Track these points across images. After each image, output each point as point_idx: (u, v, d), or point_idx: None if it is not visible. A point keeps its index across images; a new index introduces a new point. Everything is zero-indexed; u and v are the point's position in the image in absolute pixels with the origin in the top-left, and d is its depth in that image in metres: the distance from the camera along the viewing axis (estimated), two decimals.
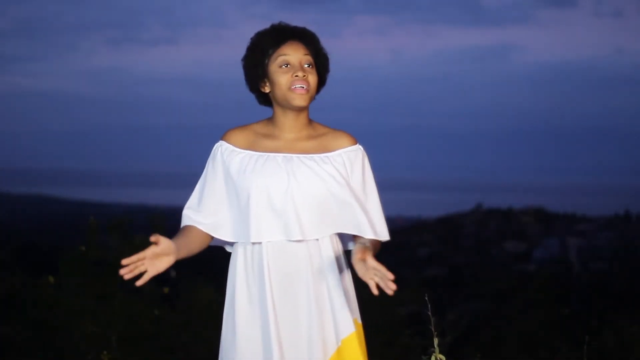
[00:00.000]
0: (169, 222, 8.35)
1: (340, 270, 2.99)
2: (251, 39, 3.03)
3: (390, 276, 2.73)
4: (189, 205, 3.05)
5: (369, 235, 2.95)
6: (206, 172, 3.03)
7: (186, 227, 3.02)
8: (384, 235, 3.00)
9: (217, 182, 3.01)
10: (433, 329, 3.55)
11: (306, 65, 2.98)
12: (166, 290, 8.44)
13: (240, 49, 3.12)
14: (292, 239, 2.92)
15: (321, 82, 3.05)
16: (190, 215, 3.03)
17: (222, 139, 3.03)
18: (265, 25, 3.08)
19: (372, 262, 2.76)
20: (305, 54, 2.99)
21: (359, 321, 3.00)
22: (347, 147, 3.01)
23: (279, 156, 2.97)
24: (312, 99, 3.00)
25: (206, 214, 3.01)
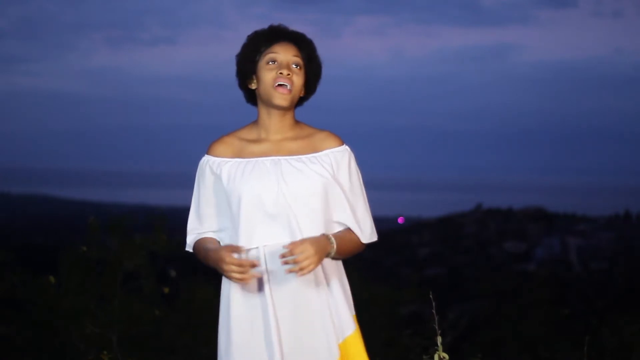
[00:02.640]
0: (169, 222, 8.35)
1: (337, 270, 3.00)
2: (247, 36, 3.06)
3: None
4: (190, 228, 3.05)
5: (356, 231, 2.98)
6: (197, 189, 3.03)
7: (202, 240, 3.03)
8: (368, 235, 3.02)
9: (210, 196, 3.01)
10: (437, 327, 3.56)
11: (293, 66, 3.00)
12: (166, 290, 8.43)
13: (239, 49, 3.13)
14: (294, 240, 2.92)
15: (310, 89, 3.07)
16: (196, 233, 3.05)
17: (207, 154, 3.04)
18: (264, 25, 3.11)
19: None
20: (295, 55, 3.00)
21: (356, 318, 3.01)
22: (334, 147, 3.02)
23: (267, 160, 2.97)
24: (294, 100, 3.01)
25: (208, 227, 3.03)
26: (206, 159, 3.02)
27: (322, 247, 2.86)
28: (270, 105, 2.99)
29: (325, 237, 2.89)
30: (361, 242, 3.00)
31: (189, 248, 3.07)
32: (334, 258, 2.96)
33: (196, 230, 3.03)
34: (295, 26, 3.10)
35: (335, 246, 2.90)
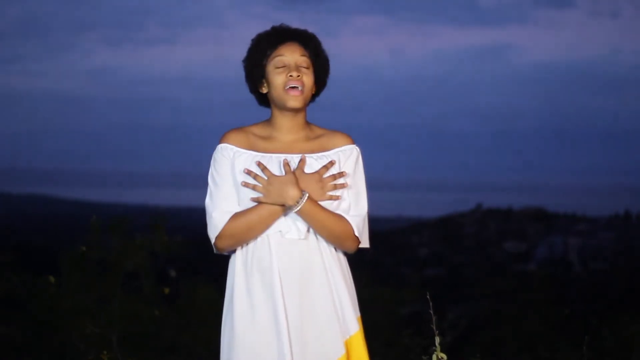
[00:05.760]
0: (170, 222, 8.35)
1: (343, 268, 3.01)
2: (252, 40, 3.06)
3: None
4: (225, 210, 2.95)
5: (350, 220, 2.97)
6: (218, 176, 2.99)
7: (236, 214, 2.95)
8: (361, 235, 3.01)
9: (227, 184, 2.98)
10: (435, 328, 3.56)
11: (302, 67, 3.00)
12: (166, 290, 8.43)
13: (239, 49, 3.13)
14: (302, 237, 2.93)
15: (321, 84, 3.07)
16: (225, 212, 2.96)
17: (222, 142, 3.02)
18: (263, 25, 3.10)
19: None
20: (302, 55, 3.01)
21: (360, 318, 3.02)
22: (342, 146, 3.03)
23: (281, 157, 2.99)
24: (307, 100, 3.02)
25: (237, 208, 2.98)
26: (221, 148, 3.01)
27: (286, 192, 2.89)
28: (283, 107, 3.00)
29: (299, 190, 2.89)
30: (352, 233, 2.97)
31: (222, 227, 2.93)
32: (312, 225, 2.94)
33: (233, 210, 2.94)
34: (294, 25, 3.09)
35: (301, 205, 2.89)
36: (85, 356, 7.13)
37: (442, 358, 3.46)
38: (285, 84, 2.99)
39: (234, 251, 3.00)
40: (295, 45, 3.03)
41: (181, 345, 9.11)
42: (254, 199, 2.92)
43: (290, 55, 3.01)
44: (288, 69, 3.00)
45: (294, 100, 2.99)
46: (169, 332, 9.05)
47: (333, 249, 2.99)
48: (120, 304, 7.72)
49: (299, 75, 2.99)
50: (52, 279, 7.76)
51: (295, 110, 3.02)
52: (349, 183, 3.00)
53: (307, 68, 3.02)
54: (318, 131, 3.09)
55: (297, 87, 2.98)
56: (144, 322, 8.20)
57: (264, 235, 2.94)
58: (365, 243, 3.04)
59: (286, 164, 2.93)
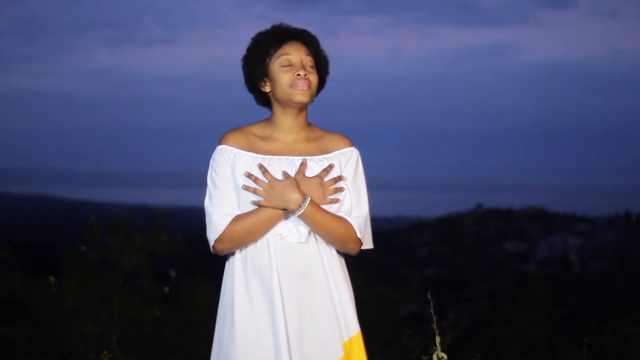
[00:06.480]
0: (169, 222, 8.36)
1: (344, 270, 3.00)
2: (252, 38, 3.03)
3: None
4: (224, 213, 2.90)
5: (352, 222, 2.94)
6: (218, 178, 2.94)
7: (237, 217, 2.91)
8: (364, 237, 2.97)
9: (228, 186, 2.94)
10: (435, 327, 3.55)
11: (308, 65, 2.99)
12: (166, 290, 8.44)
13: (238, 49, 3.10)
14: (302, 241, 2.92)
15: (321, 84, 3.06)
16: (233, 215, 2.91)
17: (222, 143, 2.99)
18: (263, 25, 3.07)
19: None
20: (307, 54, 2.99)
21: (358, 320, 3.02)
22: (342, 148, 3.02)
23: (282, 159, 2.97)
24: (313, 97, 3.00)
25: (237, 211, 2.93)
26: (222, 149, 2.97)
27: (287, 195, 2.86)
28: (290, 104, 2.97)
29: (301, 194, 2.87)
30: (354, 235, 2.94)
31: (223, 230, 2.89)
32: (315, 231, 2.91)
33: (233, 213, 2.91)
34: (293, 25, 3.08)
35: (304, 209, 2.87)
36: (85, 356, 7.13)
37: (442, 358, 3.46)
38: (292, 82, 2.97)
39: (232, 253, 2.99)
40: (299, 45, 3.02)
41: (181, 345, 9.11)
42: (255, 203, 2.91)
43: (296, 54, 3.00)
44: (295, 68, 2.98)
45: (302, 94, 2.97)
46: (169, 332, 9.06)
47: (334, 251, 2.98)
48: (120, 304, 7.73)
49: (306, 74, 2.99)
50: (52, 279, 7.76)
51: (301, 107, 3.01)
52: (349, 186, 3.00)
53: (312, 67, 3.02)
54: (318, 132, 3.07)
55: (304, 85, 2.98)
56: (144, 322, 8.21)
57: (263, 238, 2.93)
58: (368, 244, 3.03)
59: (284, 173, 2.92)
